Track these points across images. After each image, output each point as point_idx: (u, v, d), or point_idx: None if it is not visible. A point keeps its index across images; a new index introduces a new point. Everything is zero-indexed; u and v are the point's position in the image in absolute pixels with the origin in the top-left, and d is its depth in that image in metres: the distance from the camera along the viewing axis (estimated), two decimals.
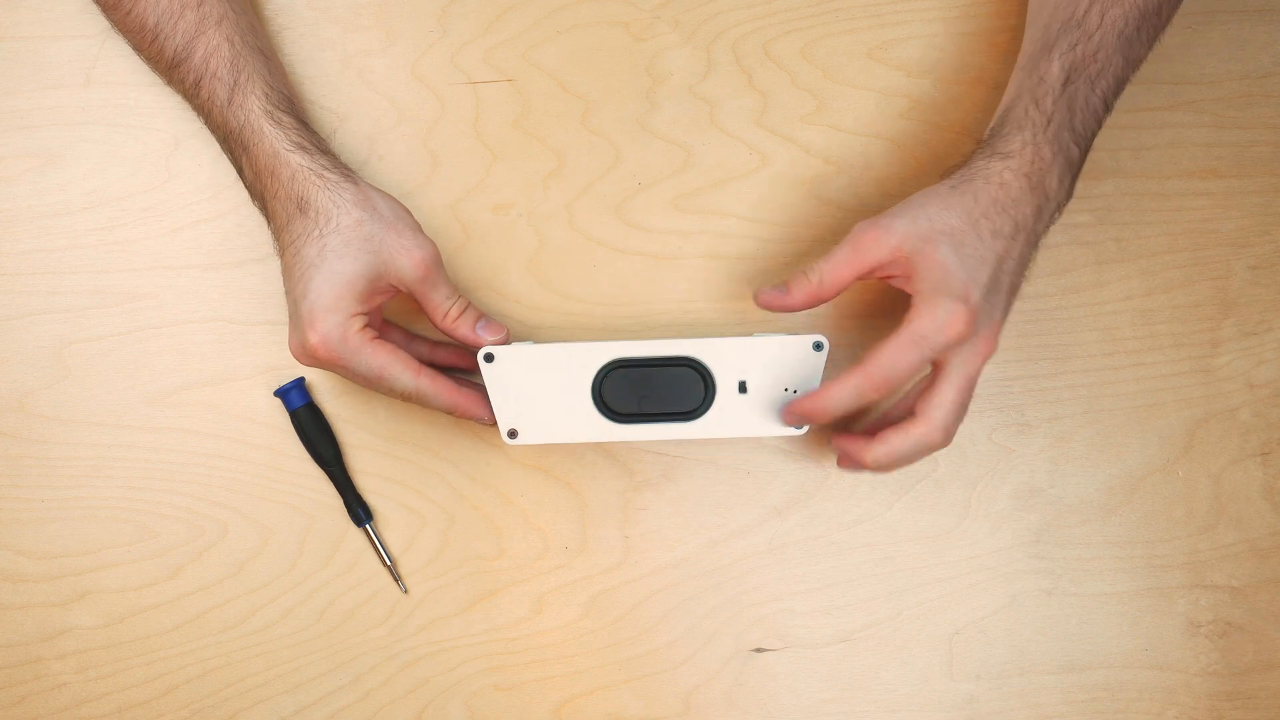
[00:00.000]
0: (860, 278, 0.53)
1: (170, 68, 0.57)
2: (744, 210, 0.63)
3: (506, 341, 0.56)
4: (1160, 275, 0.62)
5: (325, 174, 0.54)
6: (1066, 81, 0.53)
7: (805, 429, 0.55)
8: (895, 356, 0.51)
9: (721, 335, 0.59)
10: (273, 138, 0.55)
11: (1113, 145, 0.62)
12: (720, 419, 0.55)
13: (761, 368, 0.55)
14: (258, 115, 0.55)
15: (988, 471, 0.62)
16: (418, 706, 0.62)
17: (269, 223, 0.57)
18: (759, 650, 0.62)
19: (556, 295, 0.62)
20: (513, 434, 0.55)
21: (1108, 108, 0.55)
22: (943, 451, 0.62)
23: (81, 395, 0.62)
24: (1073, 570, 0.62)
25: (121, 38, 0.59)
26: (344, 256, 0.53)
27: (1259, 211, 0.63)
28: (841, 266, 0.53)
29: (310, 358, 0.54)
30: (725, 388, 0.55)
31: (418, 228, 0.56)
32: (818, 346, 0.55)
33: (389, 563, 0.62)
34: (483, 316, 0.56)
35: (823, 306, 0.60)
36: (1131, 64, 0.55)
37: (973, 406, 0.62)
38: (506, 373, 0.55)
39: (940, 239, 0.51)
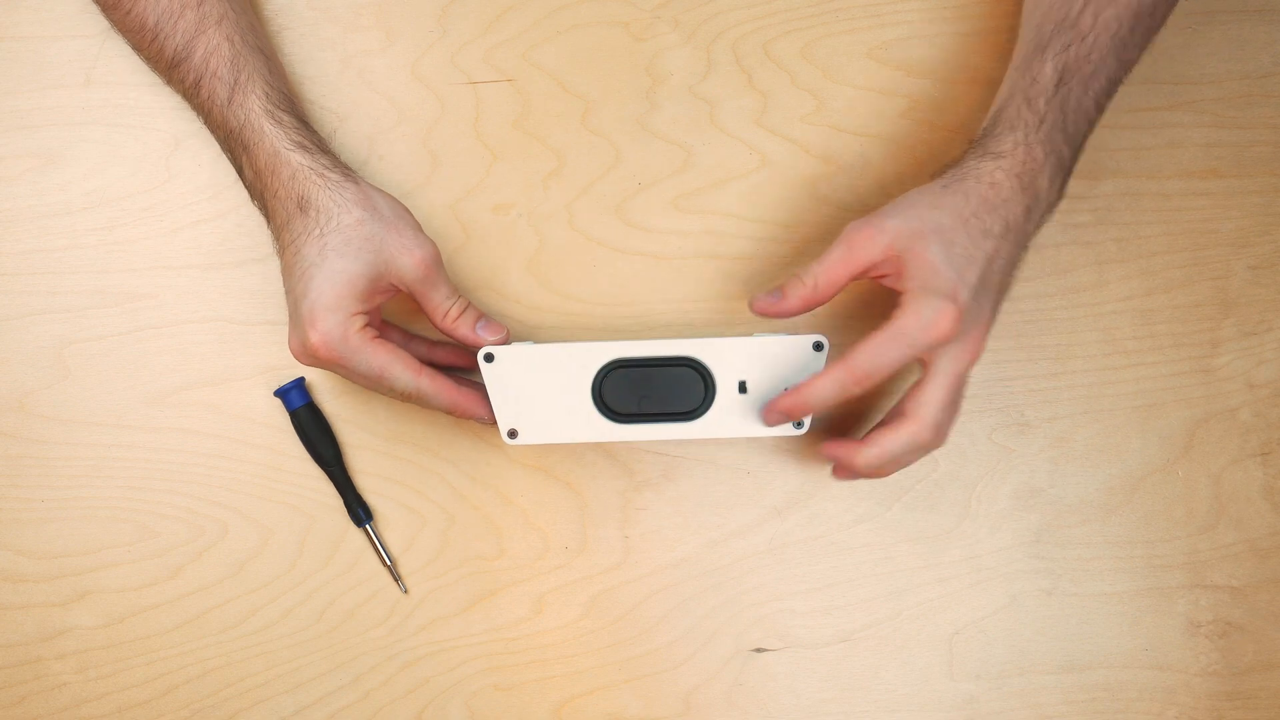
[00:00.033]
0: (854, 278, 0.53)
1: (170, 67, 0.57)
2: (744, 210, 0.62)
3: (506, 341, 0.56)
4: (1160, 275, 0.62)
5: (326, 173, 0.54)
6: (1059, 82, 0.53)
7: (805, 429, 0.55)
8: (878, 352, 0.51)
9: (721, 335, 0.59)
10: (273, 137, 0.55)
11: (1113, 145, 0.62)
12: (720, 419, 0.55)
13: (761, 368, 0.55)
14: (258, 114, 0.55)
15: (988, 471, 0.62)
16: (418, 706, 0.62)
17: (269, 222, 0.57)
18: (759, 650, 0.62)
19: (556, 295, 0.62)
20: (513, 434, 0.55)
21: (1100, 109, 0.55)
22: (942, 451, 0.62)
23: (81, 395, 0.62)
24: (1073, 570, 0.62)
25: (121, 38, 0.59)
26: (345, 255, 0.53)
27: (1259, 211, 0.63)
28: (836, 268, 0.53)
29: (310, 357, 0.54)
30: (725, 388, 0.55)
31: (418, 227, 0.56)
32: (818, 346, 0.55)
33: (389, 563, 0.62)
34: (483, 316, 0.56)
35: (822, 306, 0.60)
36: (1125, 66, 0.55)
37: (972, 406, 0.62)
38: (506, 373, 0.55)
39: (931, 237, 0.51)
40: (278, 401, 0.62)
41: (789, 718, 0.62)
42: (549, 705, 0.62)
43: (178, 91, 0.59)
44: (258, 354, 0.62)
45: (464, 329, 0.56)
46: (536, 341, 0.61)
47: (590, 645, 0.62)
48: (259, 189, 0.56)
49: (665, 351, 0.55)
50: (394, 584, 0.62)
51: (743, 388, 0.55)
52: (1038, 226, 0.54)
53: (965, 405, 0.62)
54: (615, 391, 0.55)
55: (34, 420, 0.62)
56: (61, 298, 0.62)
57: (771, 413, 0.54)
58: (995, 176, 0.52)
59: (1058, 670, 0.62)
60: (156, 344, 0.62)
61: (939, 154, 0.62)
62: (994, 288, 0.52)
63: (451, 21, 0.63)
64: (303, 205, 0.54)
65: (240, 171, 0.57)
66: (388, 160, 0.62)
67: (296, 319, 0.54)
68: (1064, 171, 0.54)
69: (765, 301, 0.54)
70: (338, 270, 0.53)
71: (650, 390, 0.55)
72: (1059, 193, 0.54)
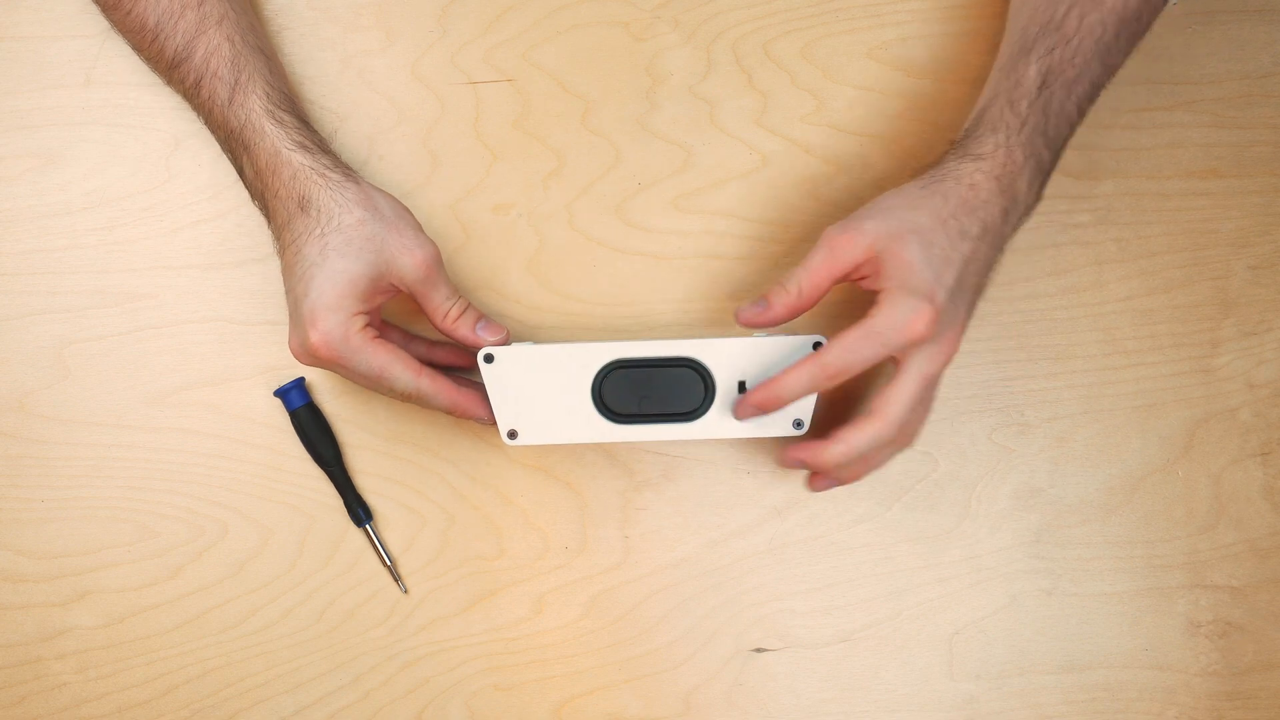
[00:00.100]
0: (837, 281, 0.53)
1: (170, 67, 0.57)
2: (744, 210, 0.63)
3: (506, 342, 0.56)
4: (1160, 275, 0.62)
5: (327, 173, 0.54)
6: (1043, 85, 0.53)
7: (804, 429, 0.55)
8: (851, 349, 0.50)
9: (721, 335, 0.59)
10: (274, 137, 0.55)
11: (1113, 145, 0.62)
12: (720, 419, 0.55)
13: (761, 368, 0.55)
14: (259, 114, 0.55)
15: (988, 471, 0.62)
16: (418, 706, 0.62)
17: (269, 222, 0.57)
18: (759, 650, 0.62)
19: (556, 295, 0.62)
20: (512, 435, 0.55)
21: (1081, 113, 0.55)
22: (942, 451, 0.62)
23: (81, 395, 0.62)
24: (1073, 570, 0.62)
25: (121, 38, 0.59)
26: (346, 255, 0.53)
27: (1259, 211, 0.63)
28: (818, 273, 0.53)
29: (311, 357, 0.54)
30: (725, 388, 0.55)
31: (419, 228, 0.56)
32: (816, 346, 0.55)
33: (389, 563, 0.62)
34: (483, 317, 0.56)
35: (821, 305, 0.60)
36: (1109, 70, 0.55)
37: (972, 407, 0.62)
38: (506, 373, 0.55)
39: (909, 237, 0.51)
40: (278, 401, 0.62)
41: (789, 718, 0.62)
42: (549, 705, 0.62)
43: (178, 92, 0.59)
44: (258, 354, 0.62)
45: (464, 329, 0.56)
46: (536, 342, 0.61)
47: (590, 645, 0.62)
48: (260, 189, 0.56)
49: (665, 352, 0.55)
50: (394, 584, 0.62)
51: (742, 388, 0.55)
52: (1015, 229, 0.54)
53: (965, 405, 0.62)
54: (615, 392, 0.55)
55: (34, 420, 0.62)
56: (61, 298, 0.62)
57: (744, 406, 0.54)
58: (974, 178, 0.52)
59: (1058, 670, 0.62)
60: (156, 344, 0.62)
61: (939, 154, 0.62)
62: (970, 289, 0.53)
63: (451, 21, 0.63)
64: (304, 205, 0.54)
65: (241, 171, 0.57)
66: (388, 160, 0.62)
67: (297, 319, 0.54)
68: (1043, 174, 0.54)
69: (750, 312, 0.54)
70: (339, 270, 0.53)
71: (650, 391, 0.55)
72: (1037, 196, 0.54)
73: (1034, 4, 0.55)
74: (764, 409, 0.53)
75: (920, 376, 0.52)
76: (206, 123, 0.58)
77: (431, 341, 0.61)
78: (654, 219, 0.63)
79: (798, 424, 0.55)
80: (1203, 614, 0.62)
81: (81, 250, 0.62)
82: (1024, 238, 0.62)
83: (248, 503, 0.62)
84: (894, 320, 0.50)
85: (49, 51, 0.62)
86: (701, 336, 0.60)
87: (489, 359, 0.55)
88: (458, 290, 0.57)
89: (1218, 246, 0.63)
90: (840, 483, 0.58)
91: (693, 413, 0.55)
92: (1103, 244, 0.62)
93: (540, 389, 0.55)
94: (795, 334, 0.55)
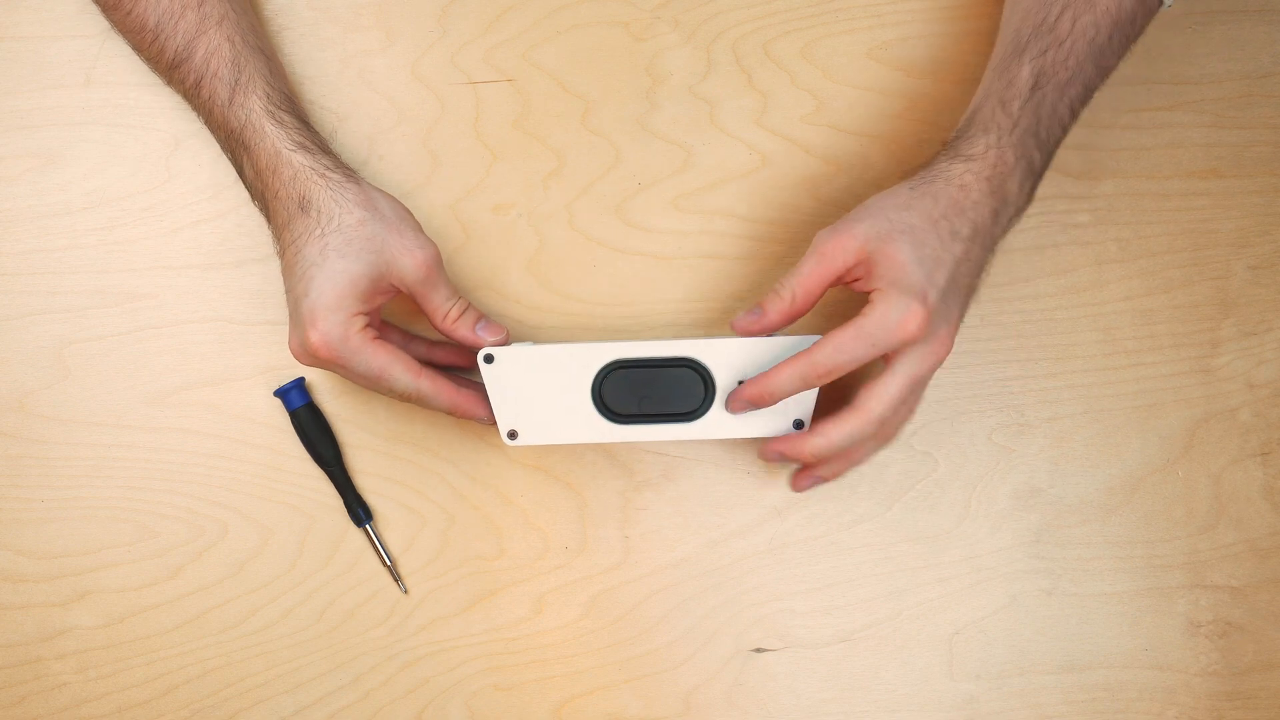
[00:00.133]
0: (830, 285, 0.53)
1: (171, 68, 0.57)
2: (744, 210, 0.63)
3: (506, 343, 0.56)
4: (1160, 275, 0.62)
5: (328, 174, 0.54)
6: (1035, 86, 0.53)
7: (805, 429, 0.55)
8: (842, 348, 0.50)
9: (721, 336, 0.59)
10: (274, 137, 0.55)
11: (1113, 145, 0.62)
12: (720, 420, 0.55)
13: (760, 368, 0.55)
14: (259, 114, 0.55)
15: (988, 471, 0.62)
16: (418, 706, 0.62)
17: (269, 222, 0.57)
18: (759, 650, 0.62)
19: (556, 295, 0.62)
20: (512, 435, 0.55)
21: (1074, 115, 0.55)
22: (943, 451, 0.62)
23: (81, 395, 0.62)
24: (1073, 570, 0.62)
25: (121, 38, 0.59)
26: (346, 256, 0.53)
27: (1259, 211, 0.63)
28: (811, 278, 0.53)
29: (311, 357, 0.54)
30: (725, 388, 0.55)
31: (419, 228, 0.56)
32: None
33: (389, 563, 0.62)
34: (482, 317, 0.56)
35: (819, 305, 0.60)
36: (1102, 72, 0.55)
37: (972, 407, 0.62)
38: (506, 374, 0.55)
39: (900, 237, 0.51)
40: (278, 401, 0.62)
41: (789, 718, 0.62)
42: (549, 705, 0.62)
43: (178, 92, 0.59)
44: (258, 354, 0.62)
45: (464, 330, 0.56)
46: (536, 342, 0.62)
47: (590, 645, 0.62)
48: (260, 189, 0.56)
49: (665, 352, 0.55)
50: (394, 584, 0.62)
51: None
52: (1005, 230, 0.54)
53: (965, 405, 0.62)
54: (615, 392, 0.55)
55: (34, 420, 0.62)
56: (61, 298, 0.62)
57: (737, 400, 0.54)
58: (965, 179, 0.52)
59: (1058, 670, 0.62)
60: (156, 344, 0.62)
61: None
62: (962, 290, 0.52)
63: (451, 21, 0.63)
64: (304, 205, 0.54)
65: (241, 172, 0.57)
66: (388, 160, 0.62)
67: (297, 319, 0.54)
68: (1034, 176, 0.54)
69: (746, 320, 0.54)
70: (339, 270, 0.53)
71: (650, 391, 0.55)
72: (1028, 197, 0.54)
73: (1027, 5, 0.55)
74: (755, 404, 0.53)
75: (908, 376, 0.52)
76: (207, 123, 0.58)
77: (431, 341, 0.61)
78: (654, 219, 0.63)
79: (798, 424, 0.55)
80: (1203, 614, 0.62)
81: (81, 250, 0.62)
82: (1024, 238, 0.62)
83: (248, 503, 0.62)
84: (886, 320, 0.50)
85: (49, 51, 0.62)
86: (701, 337, 0.60)
87: (489, 359, 0.55)
88: (457, 291, 0.57)
89: (1218, 246, 0.63)
90: (823, 480, 0.58)
91: (693, 413, 0.55)
92: (1103, 244, 0.62)
93: (540, 389, 0.55)
94: (795, 334, 0.55)
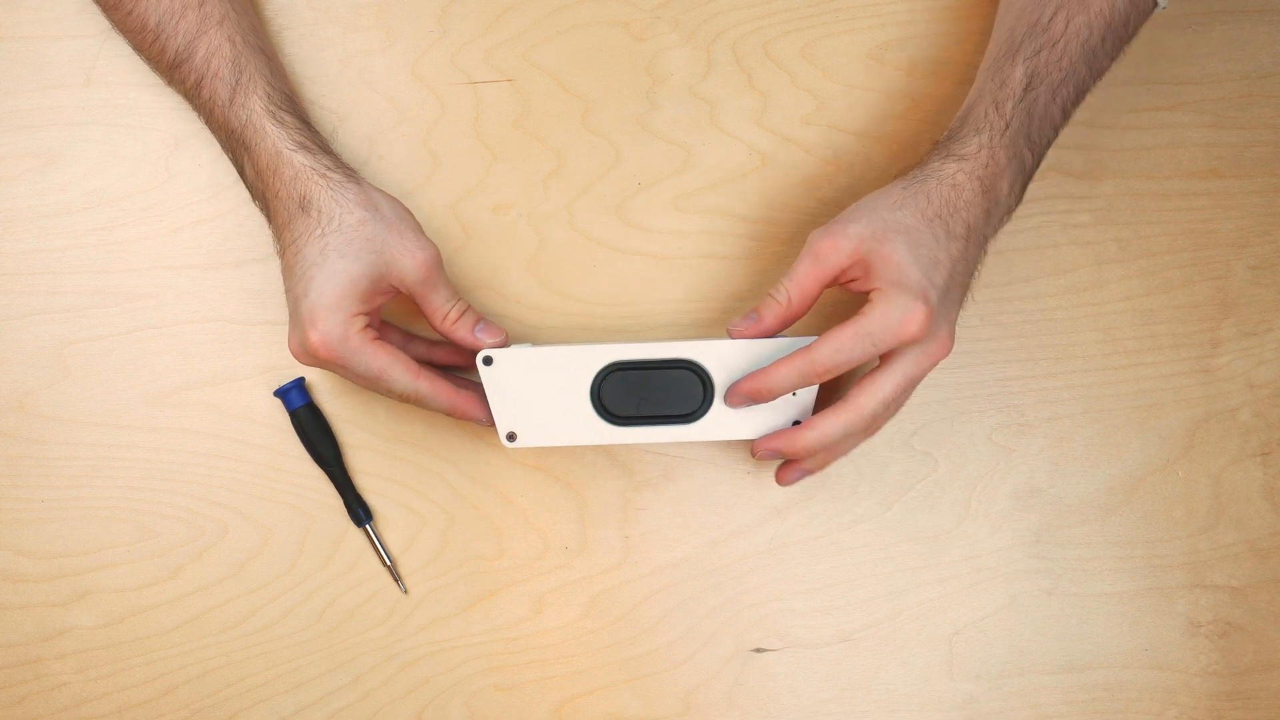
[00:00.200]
0: (825, 287, 0.53)
1: (171, 68, 0.57)
2: (744, 210, 0.62)
3: (505, 344, 0.56)
4: (1160, 275, 0.62)
5: (328, 174, 0.54)
6: (1028, 87, 0.53)
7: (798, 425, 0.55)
8: (841, 348, 0.50)
9: (720, 337, 0.59)
10: (275, 137, 0.55)
11: (1113, 145, 0.62)
12: (719, 421, 0.55)
13: (758, 369, 0.55)
14: (260, 114, 0.55)
15: (988, 471, 0.62)
16: (418, 706, 0.62)
17: (270, 222, 0.57)
18: (759, 650, 0.62)
19: (556, 295, 0.62)
20: (511, 437, 0.55)
21: (1066, 116, 0.55)
22: (943, 451, 0.62)
23: (81, 395, 0.62)
24: (1073, 570, 0.62)
25: (122, 38, 0.59)
26: (346, 256, 0.53)
27: (1259, 211, 0.63)
28: (806, 281, 0.53)
29: (310, 357, 0.54)
30: (723, 389, 0.55)
31: (419, 229, 0.56)
32: None
33: (389, 563, 0.62)
34: (482, 319, 0.56)
35: (817, 306, 0.60)
36: (1095, 74, 0.55)
37: (972, 407, 0.62)
38: (505, 376, 0.55)
39: (894, 236, 0.51)
40: (278, 401, 0.62)
41: (789, 718, 0.62)
42: (549, 705, 0.62)
43: (179, 92, 0.59)
44: (258, 354, 0.62)
45: (463, 332, 0.56)
46: (535, 343, 0.62)
47: (590, 645, 0.62)
48: (260, 189, 0.56)
49: (663, 354, 0.54)
50: (394, 584, 0.62)
51: None
52: (995, 230, 0.54)
53: (965, 405, 0.62)
54: (614, 394, 0.55)
55: (34, 420, 0.62)
56: (61, 298, 0.62)
57: (735, 394, 0.54)
58: (957, 179, 0.52)
59: (1058, 670, 0.62)
60: (156, 344, 0.62)
61: None
62: (959, 290, 0.53)
63: (451, 21, 0.63)
64: (304, 205, 0.54)
65: (241, 171, 0.57)
66: (388, 160, 0.62)
67: (297, 319, 0.54)
68: (1025, 176, 0.54)
69: (742, 326, 0.54)
70: (339, 270, 0.53)
71: (649, 393, 0.55)
72: (1018, 198, 0.54)
73: (1021, 6, 0.55)
74: (753, 399, 0.53)
75: (904, 375, 0.52)
76: (207, 123, 0.58)
77: (431, 341, 0.61)
78: (654, 219, 0.63)
79: (798, 423, 0.55)
80: (1203, 614, 0.62)
81: (81, 250, 0.62)
82: (1024, 238, 0.62)
83: (248, 503, 0.62)
84: (887, 320, 0.50)
85: (49, 51, 0.62)
86: (700, 338, 0.60)
87: (488, 361, 0.55)
88: (457, 292, 0.57)
89: (1218, 246, 0.63)
90: (809, 472, 0.57)
91: (692, 414, 0.55)
92: (1103, 244, 0.62)
93: (539, 391, 0.55)
94: (793, 335, 0.55)
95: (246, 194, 0.58)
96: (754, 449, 0.55)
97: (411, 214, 0.57)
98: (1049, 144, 0.55)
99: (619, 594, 0.62)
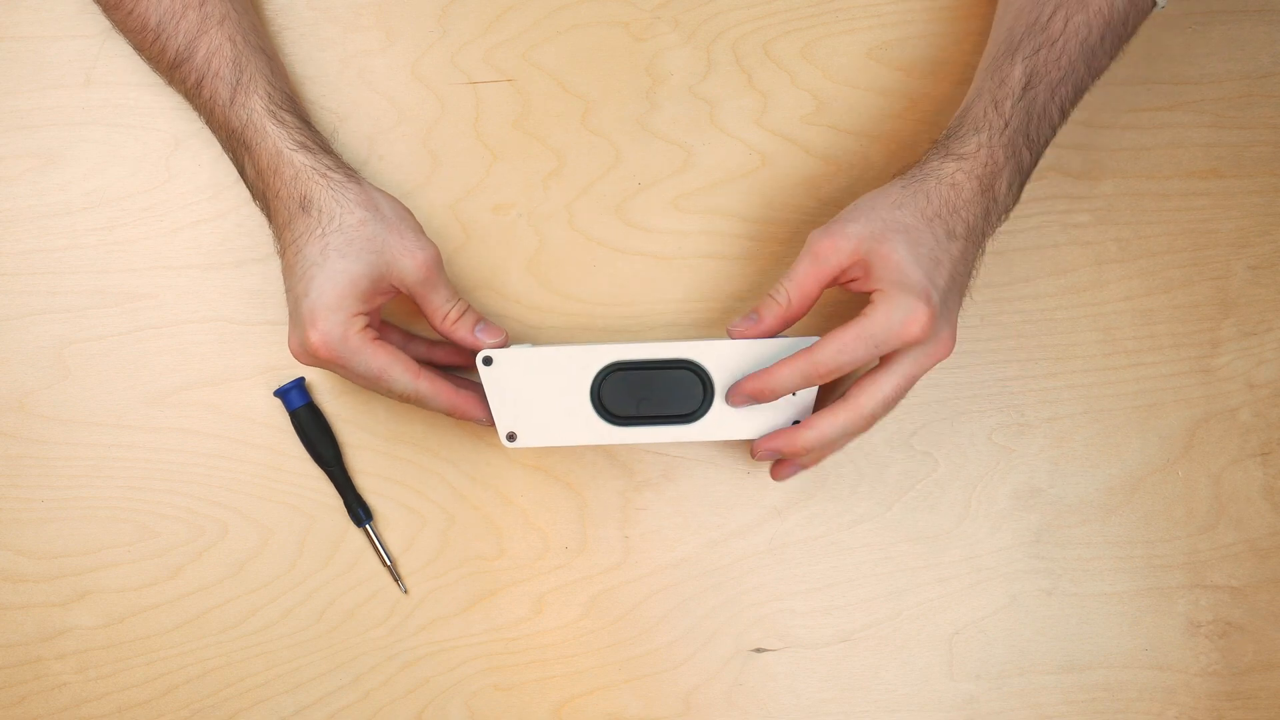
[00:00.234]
0: (826, 287, 0.53)
1: (172, 67, 0.57)
2: (744, 210, 0.63)
3: (505, 344, 0.56)
4: (1160, 275, 0.62)
5: (329, 173, 0.54)
6: (1027, 86, 0.53)
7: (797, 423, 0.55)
8: (845, 349, 0.50)
9: (720, 337, 0.59)
10: (276, 137, 0.55)
11: (1113, 145, 0.62)
12: (719, 421, 0.55)
13: (760, 369, 0.55)
14: (260, 114, 0.55)
15: (988, 471, 0.62)
16: (418, 706, 0.62)
17: (270, 222, 0.57)
18: (759, 650, 0.62)
19: (556, 295, 0.62)
20: (511, 437, 0.55)
21: (1064, 115, 0.55)
22: (943, 451, 0.62)
23: (81, 395, 0.62)
24: (1073, 570, 0.62)
25: (122, 38, 0.59)
26: (347, 256, 0.53)
27: (1259, 211, 0.63)
28: (806, 281, 0.52)
29: (310, 357, 0.54)
30: (723, 390, 0.55)
31: (420, 229, 0.56)
32: None
33: (389, 563, 0.62)
34: (482, 319, 0.56)
35: (817, 306, 0.60)
36: (1093, 73, 0.55)
37: (972, 407, 0.62)
38: (505, 376, 0.55)
39: (894, 236, 0.51)
40: (278, 401, 0.62)
41: (789, 718, 0.62)
42: (549, 705, 0.62)
43: (179, 92, 0.59)
44: (258, 354, 0.62)
45: (463, 332, 0.56)
46: (535, 343, 0.62)
47: (590, 645, 0.62)
48: (261, 189, 0.56)
49: (663, 354, 0.54)
50: (394, 584, 0.62)
51: None
52: (994, 229, 0.54)
53: (965, 405, 0.62)
54: (614, 394, 0.55)
55: (34, 420, 0.62)
56: (61, 298, 0.62)
57: (737, 393, 0.54)
58: (956, 178, 0.52)
59: (1058, 670, 0.62)
60: (156, 344, 0.62)
61: None
62: (959, 290, 0.53)
63: (451, 21, 0.63)
64: (305, 205, 0.54)
65: (242, 171, 0.57)
66: (388, 160, 0.62)
67: (297, 318, 0.54)
68: (1022, 176, 0.54)
69: (742, 326, 0.54)
70: (339, 270, 0.53)
71: (649, 393, 0.55)
72: (1016, 197, 0.54)
73: (1020, 4, 0.55)
74: (754, 398, 0.53)
75: (905, 375, 0.52)
76: (208, 123, 0.58)
77: (431, 341, 0.61)
78: (654, 219, 0.63)
79: (798, 422, 0.55)
80: (1203, 614, 0.62)
81: (81, 250, 0.62)
82: (1024, 238, 0.62)
83: (248, 503, 0.62)
84: (890, 322, 0.50)
85: (49, 51, 0.62)
86: (700, 338, 0.60)
87: (488, 361, 0.55)
88: (457, 292, 0.57)
89: (1218, 246, 0.63)
90: (804, 467, 0.57)
91: (692, 414, 0.55)
92: (1103, 244, 0.62)
93: (539, 391, 0.55)
94: (793, 335, 0.55)
95: (246, 194, 0.58)
96: (753, 449, 0.55)
97: (412, 214, 0.57)
98: (1047, 143, 0.54)
99: (619, 594, 0.62)
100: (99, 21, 0.61)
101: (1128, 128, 0.63)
